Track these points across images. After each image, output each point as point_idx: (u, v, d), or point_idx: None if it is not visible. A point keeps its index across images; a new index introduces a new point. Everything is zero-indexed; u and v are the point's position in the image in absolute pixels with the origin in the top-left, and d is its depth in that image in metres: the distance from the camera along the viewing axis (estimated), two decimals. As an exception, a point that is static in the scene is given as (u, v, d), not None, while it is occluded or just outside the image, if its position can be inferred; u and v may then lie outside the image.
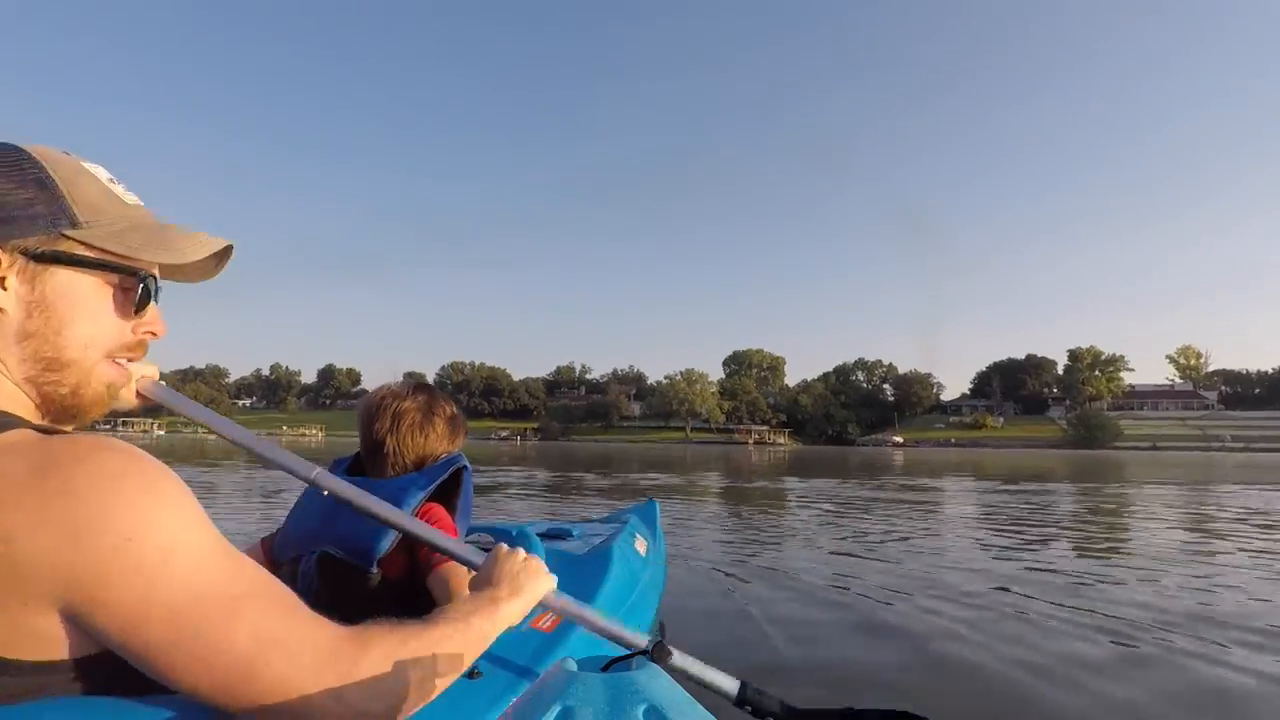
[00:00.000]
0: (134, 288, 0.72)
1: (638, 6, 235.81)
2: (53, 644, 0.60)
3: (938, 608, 2.94)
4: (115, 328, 0.72)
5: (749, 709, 1.17)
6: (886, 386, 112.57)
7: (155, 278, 0.74)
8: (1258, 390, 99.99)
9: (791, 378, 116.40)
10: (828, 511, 6.96)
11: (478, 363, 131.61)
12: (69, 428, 0.72)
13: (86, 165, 0.73)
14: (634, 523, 2.68)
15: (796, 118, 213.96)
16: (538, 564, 1.03)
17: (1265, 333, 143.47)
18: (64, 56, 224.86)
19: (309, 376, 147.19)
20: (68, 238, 0.67)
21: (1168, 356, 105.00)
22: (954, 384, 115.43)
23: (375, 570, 1.25)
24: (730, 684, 1.18)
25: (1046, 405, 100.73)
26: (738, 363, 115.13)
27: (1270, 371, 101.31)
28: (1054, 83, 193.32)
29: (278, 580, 0.70)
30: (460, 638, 0.82)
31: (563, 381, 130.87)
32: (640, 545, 2.38)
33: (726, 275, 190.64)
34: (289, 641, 0.65)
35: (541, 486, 10.31)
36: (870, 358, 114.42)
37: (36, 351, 0.68)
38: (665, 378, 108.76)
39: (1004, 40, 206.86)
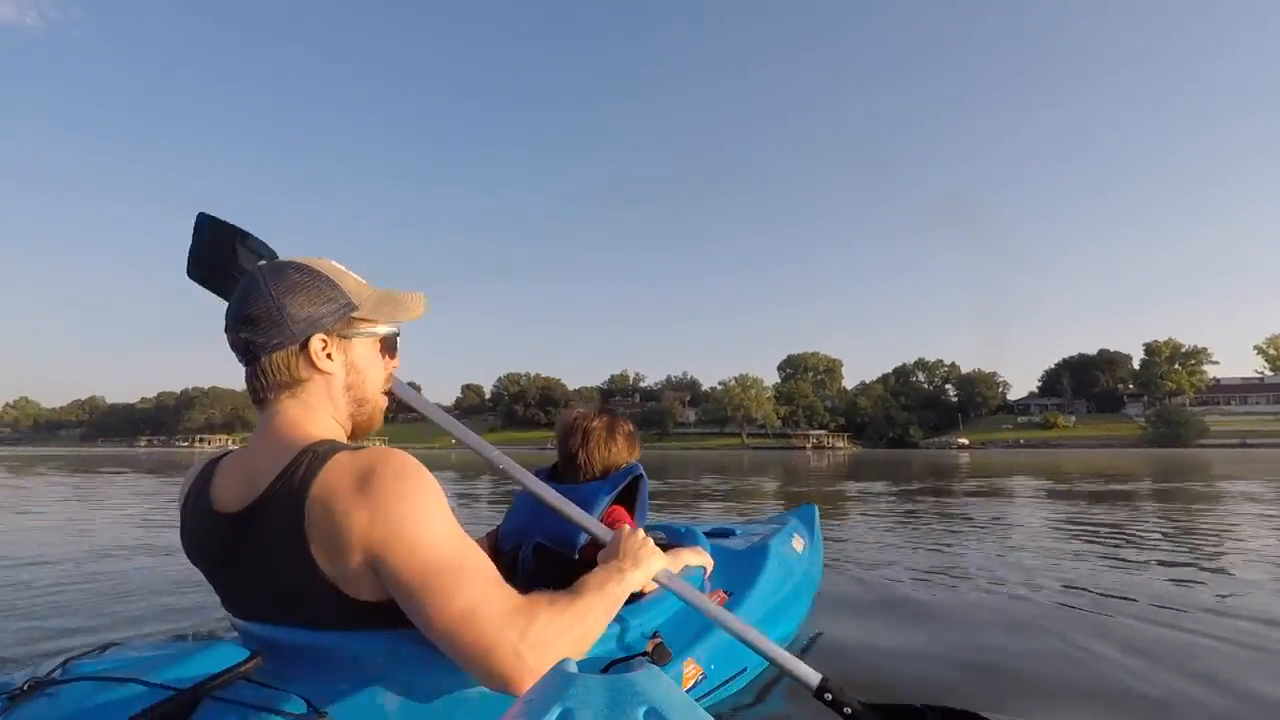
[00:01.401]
0: (391, 341, 1.21)
1: (676, 15, 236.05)
2: (375, 590, 0.99)
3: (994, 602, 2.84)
4: (383, 370, 1.21)
5: (829, 698, 1.28)
6: (949, 387, 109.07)
7: (396, 332, 1.23)
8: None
9: (849, 380, 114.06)
10: (886, 512, 6.57)
11: (533, 373, 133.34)
12: (361, 442, 1.16)
13: (337, 264, 1.16)
14: (793, 524, 2.83)
15: (838, 121, 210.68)
16: (652, 545, 1.37)
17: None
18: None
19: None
20: (353, 318, 1.14)
21: (1256, 347, 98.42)
22: (1021, 383, 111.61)
23: (577, 556, 1.59)
24: (812, 675, 1.30)
25: (1122, 402, 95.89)
26: (793, 366, 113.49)
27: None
28: (1118, 75, 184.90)
29: (487, 558, 1.04)
30: (600, 603, 1.13)
31: (617, 390, 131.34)
32: (797, 544, 2.56)
33: (778, 280, 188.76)
34: (490, 602, 0.98)
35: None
36: (930, 358, 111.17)
37: (354, 396, 1.16)
38: (719, 384, 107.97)
39: (1063, 31, 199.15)
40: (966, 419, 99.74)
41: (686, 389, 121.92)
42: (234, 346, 1.12)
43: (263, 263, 1.25)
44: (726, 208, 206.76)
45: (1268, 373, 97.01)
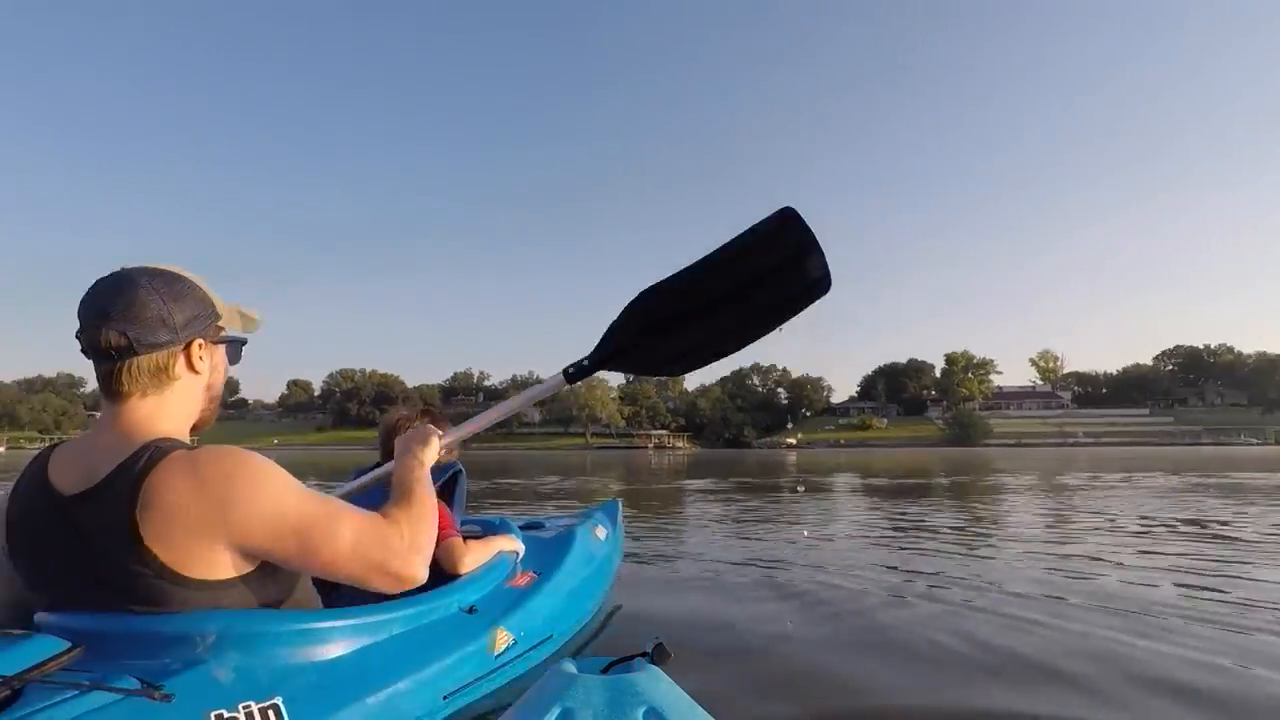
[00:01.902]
0: (238, 349, 1.37)
1: (542, 18, 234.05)
2: (215, 569, 1.11)
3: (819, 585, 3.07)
4: (222, 375, 1.34)
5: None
6: (780, 390, 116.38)
7: (245, 340, 1.39)
8: (1104, 390, 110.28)
9: (690, 382, 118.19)
10: (717, 506, 6.71)
11: (368, 369, 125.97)
12: (195, 437, 1.29)
13: (186, 274, 1.25)
14: (597, 516, 3.21)
15: (687, 127, 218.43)
16: (424, 430, 1.60)
17: (1110, 338, 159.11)
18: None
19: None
20: (218, 326, 1.28)
21: (1030, 360, 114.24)
22: (843, 387, 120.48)
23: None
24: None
25: (926, 406, 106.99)
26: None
27: (1115, 373, 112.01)
28: (925, 96, 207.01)
29: (339, 500, 1.27)
30: (422, 487, 1.41)
31: (460, 388, 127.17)
32: (599, 532, 2.90)
33: (626, 282, 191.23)
34: (366, 528, 1.21)
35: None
36: (765, 362, 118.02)
37: (211, 395, 1.30)
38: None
39: (882, 51, 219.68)
40: (795, 420, 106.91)
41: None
42: (100, 341, 1.14)
43: (130, 266, 1.22)
44: (577, 209, 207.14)
45: (1038, 382, 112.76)
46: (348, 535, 1.18)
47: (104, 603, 1.11)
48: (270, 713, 1.10)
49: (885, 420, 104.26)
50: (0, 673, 0.94)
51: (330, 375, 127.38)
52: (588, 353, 1.70)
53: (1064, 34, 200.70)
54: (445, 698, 1.42)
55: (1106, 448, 58.95)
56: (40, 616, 1.14)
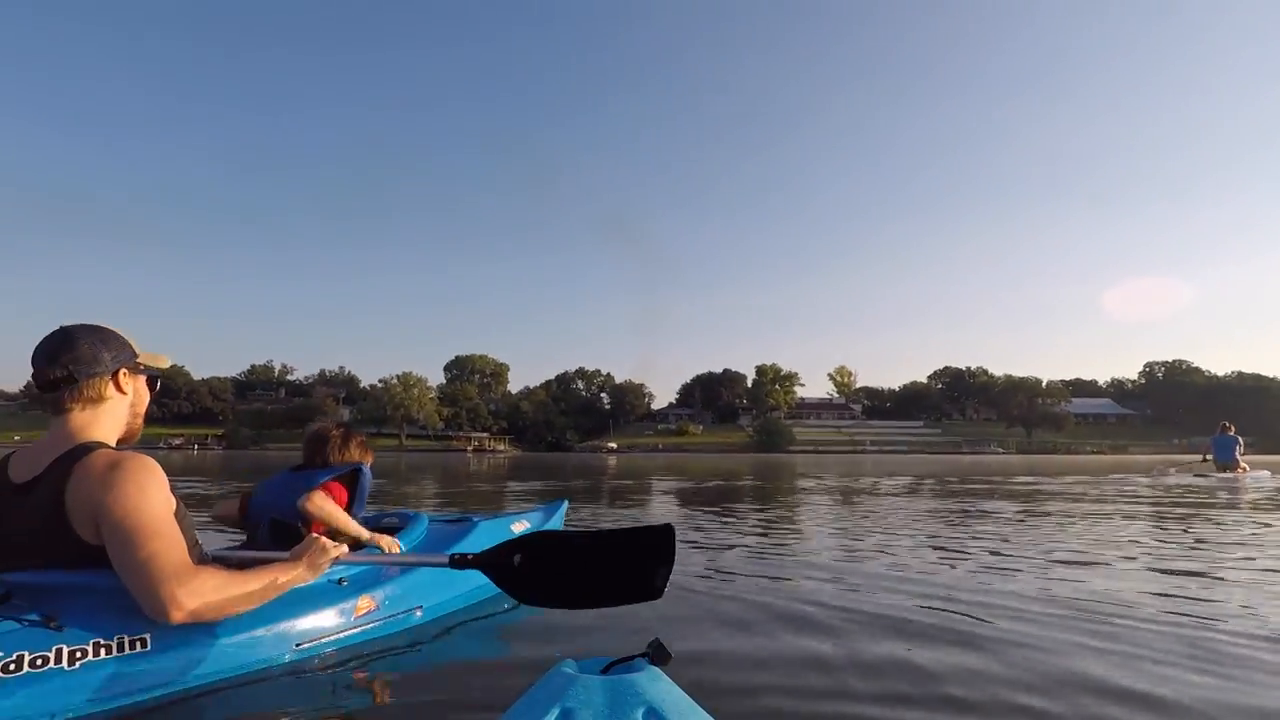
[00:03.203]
0: (155, 380, 1.84)
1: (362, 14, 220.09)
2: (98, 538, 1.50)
3: None
4: (147, 397, 1.82)
5: (458, 559, 1.90)
6: (604, 395, 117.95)
7: (160, 373, 1.86)
8: (889, 404, 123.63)
9: (515, 384, 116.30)
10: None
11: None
12: (122, 445, 1.72)
13: (110, 327, 1.74)
14: (529, 514, 3.44)
15: (508, 133, 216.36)
16: (331, 553, 1.83)
17: (894, 358, 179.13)
18: None
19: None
20: (137, 362, 1.75)
21: (829, 375, 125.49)
22: (663, 394, 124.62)
23: (305, 531, 2.17)
24: (441, 558, 1.96)
25: (738, 414, 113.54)
26: (460, 368, 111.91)
27: (898, 389, 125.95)
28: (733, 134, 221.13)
29: (181, 534, 1.55)
30: (263, 586, 1.63)
31: (258, 382, 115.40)
32: (518, 526, 3.12)
33: (449, 279, 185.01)
34: (167, 557, 1.47)
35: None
36: (590, 367, 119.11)
37: (134, 413, 1.76)
38: (380, 381, 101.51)
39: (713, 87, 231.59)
40: (616, 425, 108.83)
41: (342, 385, 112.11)
42: (49, 376, 1.63)
43: (67, 324, 1.71)
44: (394, 201, 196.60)
45: (835, 395, 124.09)
46: (150, 549, 1.47)
47: (36, 561, 1.55)
48: (139, 643, 1.49)
49: (701, 427, 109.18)
50: None
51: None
52: (472, 547, 2.36)
53: (849, 84, 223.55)
54: (296, 646, 1.79)
55: (889, 455, 65.94)
56: None
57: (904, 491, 10.34)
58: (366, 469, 2.48)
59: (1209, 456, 13.23)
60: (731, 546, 4.43)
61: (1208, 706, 1.69)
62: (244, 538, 2.51)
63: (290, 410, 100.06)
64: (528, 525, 3.24)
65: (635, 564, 1.80)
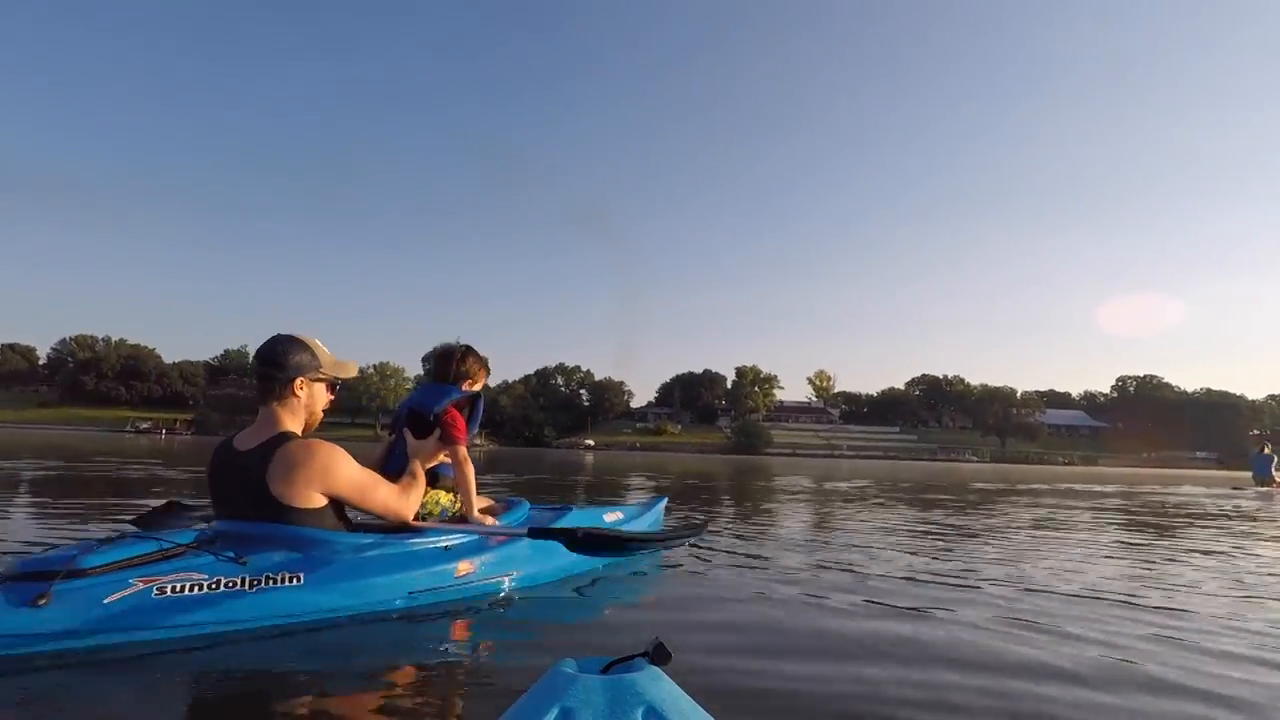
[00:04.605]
0: (334, 389, 2.48)
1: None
2: (305, 501, 2.21)
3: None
4: (325, 400, 2.45)
5: (579, 536, 2.48)
6: (583, 392, 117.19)
7: (340, 382, 2.49)
8: (866, 409, 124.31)
9: (494, 378, 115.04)
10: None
11: (115, 339, 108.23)
12: (306, 432, 2.38)
13: (315, 341, 2.41)
14: (627, 507, 3.77)
15: (488, 131, 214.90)
16: (433, 449, 2.71)
17: (872, 364, 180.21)
18: None
19: None
20: (319, 374, 2.39)
21: (808, 378, 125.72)
22: (642, 393, 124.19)
23: (432, 418, 2.71)
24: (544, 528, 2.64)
25: (716, 415, 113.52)
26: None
27: (875, 394, 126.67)
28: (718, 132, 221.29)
29: (379, 476, 2.47)
30: (420, 481, 2.64)
31: (232, 367, 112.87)
32: (610, 518, 3.48)
33: (431, 270, 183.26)
34: (388, 493, 2.45)
35: (179, 493, 7.62)
36: (570, 363, 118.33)
37: (310, 411, 2.40)
38: (357, 370, 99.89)
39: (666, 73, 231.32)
40: (595, 422, 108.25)
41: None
42: (261, 373, 2.30)
43: (282, 334, 2.35)
44: (372, 194, 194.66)
45: (813, 399, 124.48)
46: (380, 493, 2.39)
47: (244, 515, 2.20)
48: (295, 579, 2.06)
49: (679, 426, 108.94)
50: (181, 543, 2.04)
51: (62, 341, 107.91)
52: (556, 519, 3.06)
53: (837, 89, 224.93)
54: (410, 594, 2.28)
55: (865, 460, 66.13)
56: (216, 524, 2.26)
57: (888, 496, 10.05)
58: (481, 395, 2.93)
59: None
60: (724, 549, 4.17)
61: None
62: None
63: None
64: (621, 517, 3.60)
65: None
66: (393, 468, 2.71)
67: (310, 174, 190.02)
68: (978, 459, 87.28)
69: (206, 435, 71.21)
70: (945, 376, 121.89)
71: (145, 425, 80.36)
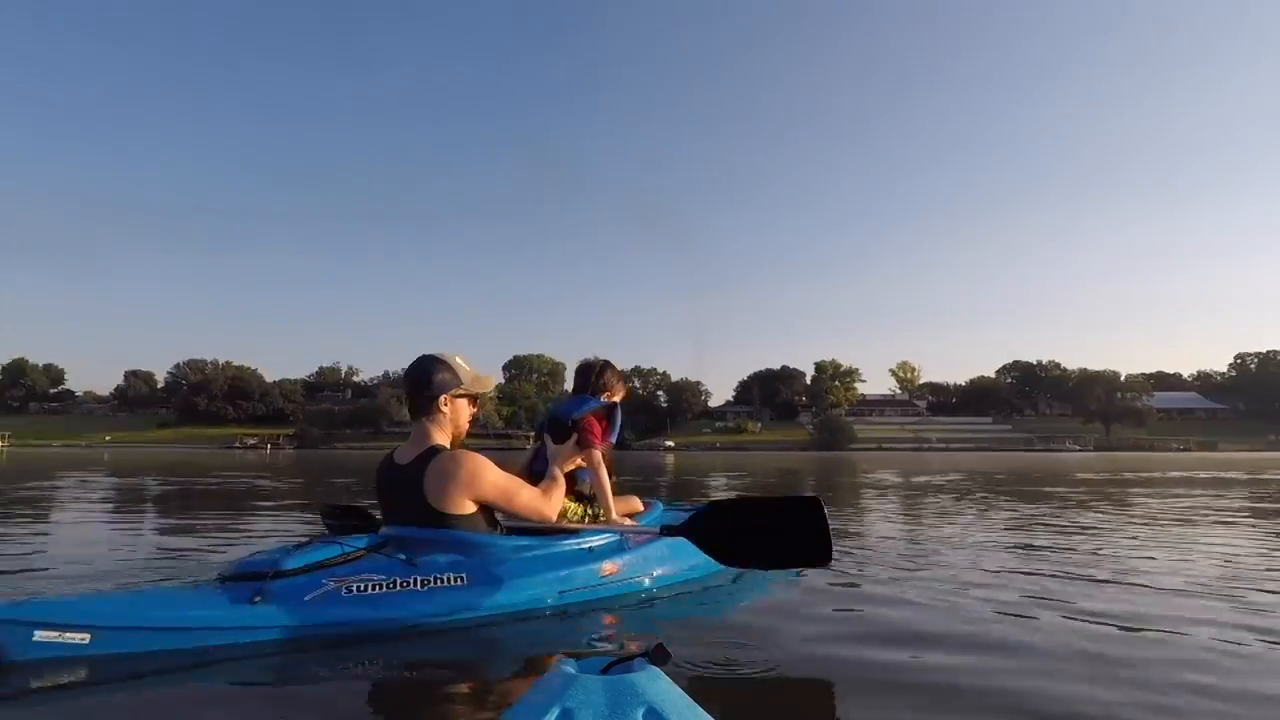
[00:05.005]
0: (476, 401, 2.66)
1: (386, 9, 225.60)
2: (458, 508, 2.40)
3: None
4: (469, 415, 2.65)
5: (695, 531, 2.56)
6: (660, 393, 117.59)
7: (479, 396, 2.67)
8: (955, 400, 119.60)
9: (571, 383, 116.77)
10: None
11: (221, 361, 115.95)
12: (452, 445, 2.56)
13: (458, 356, 2.60)
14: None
15: (555, 138, 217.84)
16: (571, 453, 2.87)
17: (960, 352, 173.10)
18: None
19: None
20: (460, 390, 2.59)
21: (891, 370, 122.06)
22: (720, 392, 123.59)
23: (570, 424, 2.88)
24: (653, 529, 2.72)
25: (797, 411, 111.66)
26: (519, 367, 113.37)
27: (964, 384, 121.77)
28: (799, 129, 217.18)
29: (522, 480, 2.61)
30: (559, 485, 2.76)
31: (326, 384, 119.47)
32: None
33: (510, 280, 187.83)
34: (532, 495, 2.58)
35: (280, 502, 8.22)
36: (646, 366, 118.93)
37: (455, 425, 2.60)
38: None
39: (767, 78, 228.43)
40: (673, 423, 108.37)
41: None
42: (411, 391, 2.53)
43: (427, 354, 2.57)
44: (450, 206, 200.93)
45: (898, 391, 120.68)
46: (524, 496, 2.53)
47: (408, 522, 2.41)
48: (461, 579, 2.25)
49: (759, 424, 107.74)
50: (360, 546, 2.27)
51: (176, 366, 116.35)
52: (684, 516, 2.79)
53: (930, 82, 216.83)
54: (560, 593, 2.41)
55: (956, 453, 63.61)
56: (385, 529, 2.48)
57: (982, 489, 9.69)
58: (618, 403, 3.08)
59: None
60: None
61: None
62: None
63: (357, 410, 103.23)
64: None
65: (799, 530, 2.39)
66: (537, 469, 2.91)
67: (392, 195, 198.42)
68: (1080, 447, 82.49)
69: (306, 449, 75.51)
70: (1039, 362, 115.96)
71: (251, 441, 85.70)
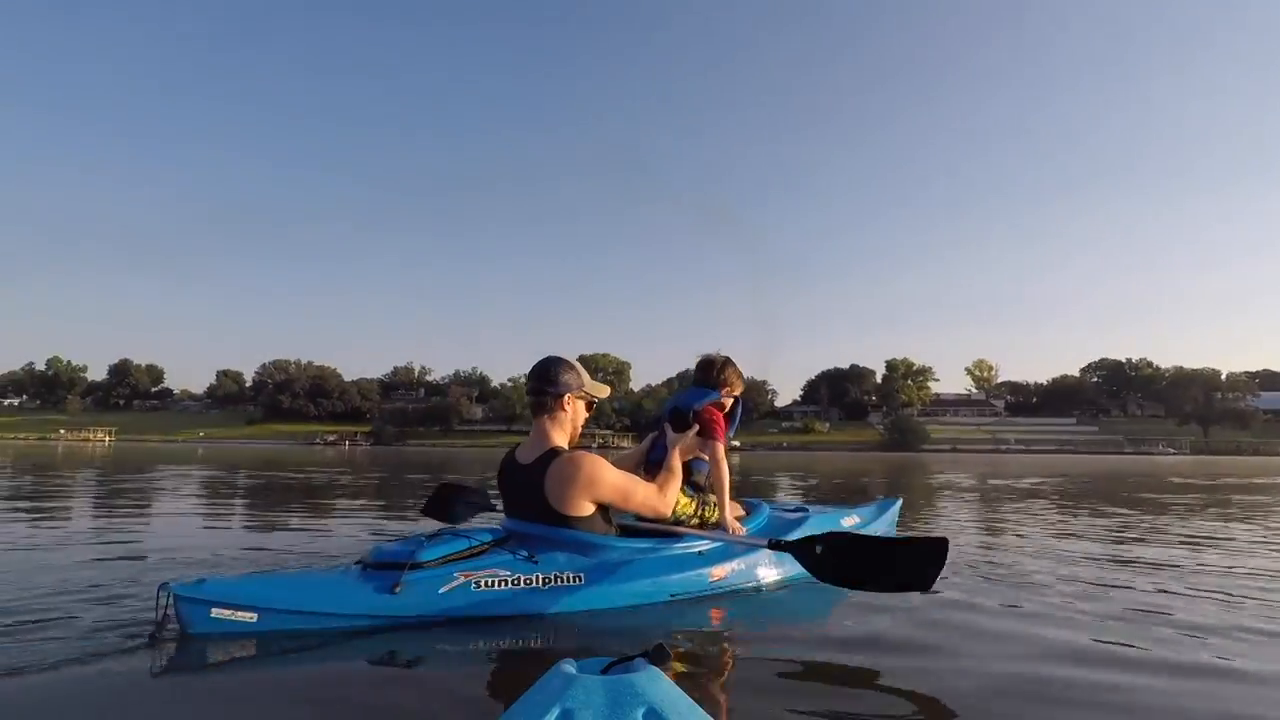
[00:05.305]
0: (591, 404, 2.76)
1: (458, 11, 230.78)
2: (576, 509, 2.48)
3: None
4: (584, 416, 2.74)
5: (778, 544, 2.60)
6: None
7: (597, 399, 2.77)
8: (1035, 400, 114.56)
9: (636, 383, 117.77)
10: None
11: (303, 361, 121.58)
12: (570, 445, 2.65)
13: (576, 363, 2.71)
14: (862, 509, 3.88)
15: (619, 137, 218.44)
16: (679, 451, 2.89)
17: (1040, 350, 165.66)
18: None
19: (98, 373, 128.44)
20: (582, 391, 2.70)
21: (966, 369, 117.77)
22: (787, 391, 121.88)
23: (691, 416, 2.97)
24: (761, 541, 2.71)
25: (867, 411, 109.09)
26: (584, 366, 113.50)
27: (1045, 383, 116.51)
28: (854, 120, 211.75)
29: (637, 478, 2.66)
30: (674, 477, 2.83)
31: (400, 383, 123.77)
32: (848, 521, 3.53)
33: (574, 280, 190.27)
34: (647, 492, 2.65)
35: (363, 495, 8.67)
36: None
37: (574, 424, 2.69)
38: (509, 380, 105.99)
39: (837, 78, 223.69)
40: (740, 422, 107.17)
41: (475, 384, 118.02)
42: (537, 389, 2.62)
43: (552, 355, 2.68)
44: (519, 206, 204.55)
45: (974, 390, 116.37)
46: (639, 494, 2.59)
47: (529, 519, 2.51)
48: (579, 578, 2.36)
49: (828, 424, 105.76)
50: (485, 540, 2.39)
51: (262, 366, 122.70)
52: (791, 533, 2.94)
53: (996, 82, 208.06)
54: (671, 596, 2.51)
55: (1038, 455, 60.96)
56: (506, 522, 2.62)
57: (1058, 494, 9.31)
58: (739, 398, 3.17)
59: None
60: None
61: None
62: None
63: (429, 409, 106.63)
64: (858, 520, 3.64)
65: (913, 565, 2.29)
66: (655, 458, 2.99)
67: (458, 201, 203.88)
68: (1175, 451, 77.77)
69: (382, 445, 78.44)
70: (1129, 360, 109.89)
71: (331, 438, 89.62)
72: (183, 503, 6.97)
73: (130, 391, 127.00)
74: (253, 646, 1.97)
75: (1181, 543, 4.65)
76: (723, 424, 2.98)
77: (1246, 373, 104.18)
